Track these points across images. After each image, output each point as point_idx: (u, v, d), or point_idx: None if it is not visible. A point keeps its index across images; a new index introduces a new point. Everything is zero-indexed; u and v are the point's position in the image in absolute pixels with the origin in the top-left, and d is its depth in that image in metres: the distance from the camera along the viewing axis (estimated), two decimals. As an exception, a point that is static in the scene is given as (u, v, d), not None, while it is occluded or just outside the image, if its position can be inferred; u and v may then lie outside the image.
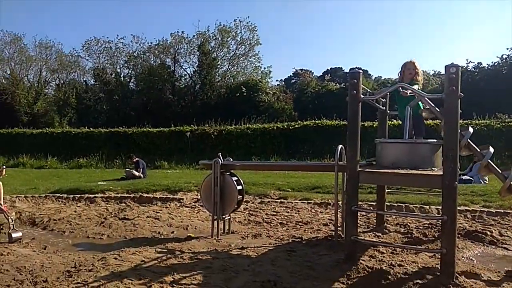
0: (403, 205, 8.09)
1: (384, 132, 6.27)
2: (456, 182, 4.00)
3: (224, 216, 6.17)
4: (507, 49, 37.54)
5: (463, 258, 5.05)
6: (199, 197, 8.11)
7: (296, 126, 20.41)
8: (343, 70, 50.48)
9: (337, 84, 33.15)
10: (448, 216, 3.93)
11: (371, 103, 5.58)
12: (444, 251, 3.95)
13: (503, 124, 16.19)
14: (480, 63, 30.98)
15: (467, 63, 30.61)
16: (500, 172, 4.82)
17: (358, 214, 7.50)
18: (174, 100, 33.61)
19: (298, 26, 79.47)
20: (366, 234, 6.21)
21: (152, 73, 34.62)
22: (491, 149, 4.88)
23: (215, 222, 6.00)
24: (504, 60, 29.76)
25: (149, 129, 22.83)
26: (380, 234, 6.14)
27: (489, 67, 30.17)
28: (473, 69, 31.01)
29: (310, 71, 40.65)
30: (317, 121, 20.07)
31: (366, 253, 4.99)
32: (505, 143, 15.30)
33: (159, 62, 36.11)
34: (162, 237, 6.21)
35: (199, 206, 8.30)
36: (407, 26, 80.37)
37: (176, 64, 36.12)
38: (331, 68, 50.33)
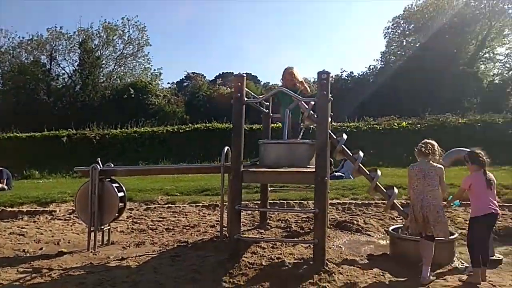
0: (285, 201, 8.59)
1: (267, 133, 6.59)
2: (326, 178, 4.39)
3: (102, 227, 5.72)
4: (374, 60, 43.41)
5: (333, 246, 5.58)
6: (74, 208, 7.38)
7: (187, 129, 20.16)
8: (232, 73, 51.62)
9: (228, 88, 33.77)
10: (319, 209, 4.28)
11: (254, 106, 5.79)
12: (316, 241, 4.29)
13: (369, 126, 18.51)
14: (352, 72, 34.94)
15: (341, 72, 34.20)
16: (368, 173, 5.45)
17: (243, 213, 7.76)
18: (49, 102, 30.23)
19: (190, 29, 78.92)
20: (250, 231, 6.42)
21: (23, 71, 30.61)
22: (361, 154, 5.50)
23: (92, 234, 5.52)
24: (371, 70, 34.10)
25: (17, 134, 20.11)
26: (263, 231, 6.42)
27: (359, 76, 34.21)
28: (346, 77, 34.80)
29: (202, 75, 40.63)
30: (208, 125, 20.12)
31: (249, 249, 5.14)
32: (371, 142, 17.43)
33: (32, 59, 32.13)
34: (28, 255, 5.44)
35: (74, 217, 7.56)
36: (294, 36, 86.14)
37: (52, 62, 32.58)
38: (223, 73, 51.08)
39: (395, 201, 5.23)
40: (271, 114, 6.67)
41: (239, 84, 4.67)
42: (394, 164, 15.71)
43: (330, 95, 4.53)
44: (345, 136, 5.48)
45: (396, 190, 5.22)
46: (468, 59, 29.31)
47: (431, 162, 4.43)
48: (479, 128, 17.19)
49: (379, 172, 5.31)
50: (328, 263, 4.41)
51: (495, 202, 4.27)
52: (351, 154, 5.47)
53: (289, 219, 7.20)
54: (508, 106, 25.60)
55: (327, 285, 3.97)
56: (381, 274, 4.33)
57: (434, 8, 30.38)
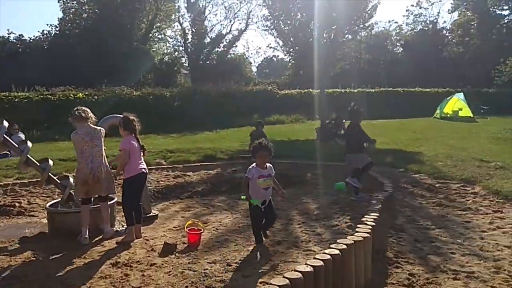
0: None
1: None
2: None
3: None
4: (48, 25, 38.77)
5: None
6: None
7: None
8: None
9: None
10: None
11: None
12: None
13: (41, 96, 16.64)
14: (21, 35, 30.21)
15: (8, 34, 29.00)
16: (17, 146, 4.70)
17: None
18: None
19: None
20: None
21: None
22: (6, 124, 4.66)
23: None
24: (45, 36, 30.60)
25: None
26: None
27: (31, 40, 30.06)
28: (14, 40, 29.77)
29: None
30: None
31: None
32: (45, 114, 15.81)
33: None
34: None
35: None
36: None
37: None
38: None
39: (51, 174, 4.82)
40: None
41: None
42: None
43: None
44: (5, 123, 4.55)
45: (51, 162, 4.80)
46: (142, 36, 31.45)
47: (92, 125, 4.51)
48: (151, 101, 18.97)
49: (29, 143, 4.72)
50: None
51: (144, 163, 4.68)
52: (17, 146, 4.66)
53: None
54: (176, 82, 29.68)
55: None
56: (33, 256, 3.92)
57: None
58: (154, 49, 33.33)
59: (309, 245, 3.96)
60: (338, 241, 3.18)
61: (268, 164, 4.10)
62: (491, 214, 5.25)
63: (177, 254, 3.90)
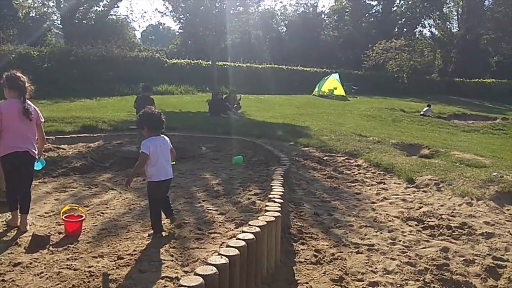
0: None
1: None
2: None
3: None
4: None
5: None
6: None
7: None
8: None
9: None
10: None
11: None
12: None
13: None
14: None
15: None
16: None
17: None
18: None
19: None
20: None
21: None
22: None
23: None
24: None
25: None
26: None
27: None
28: None
29: None
30: None
31: None
32: None
33: None
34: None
35: None
36: None
37: None
38: None
39: None
40: None
41: None
42: None
43: None
44: None
45: None
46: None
47: None
48: (14, 60, 15.97)
49: None
50: None
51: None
52: None
53: None
54: (45, 41, 25.67)
55: None
56: None
57: None
58: (18, 1, 28.05)
59: (214, 227, 3.62)
60: (249, 223, 2.90)
61: (163, 136, 3.55)
62: (376, 185, 5.67)
63: (51, 249, 3.13)
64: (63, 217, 3.46)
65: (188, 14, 17.06)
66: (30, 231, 3.44)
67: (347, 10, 43.67)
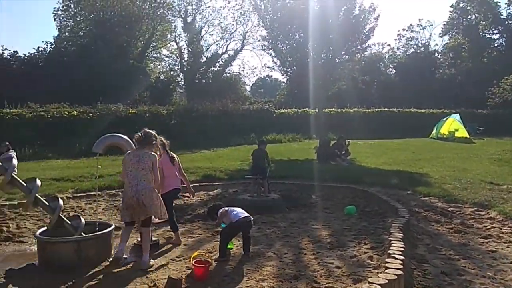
0: None
1: None
2: None
3: None
4: (43, 42, 38.74)
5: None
6: None
7: None
8: None
9: None
10: None
11: None
12: None
13: (35, 113, 16.21)
14: (16, 52, 29.88)
15: (2, 50, 28.66)
16: (25, 185, 4.27)
17: None
18: None
19: None
20: None
21: None
22: (15, 162, 4.24)
23: None
24: (40, 53, 30.31)
25: None
26: None
27: (26, 57, 29.73)
28: (9, 56, 29.42)
29: None
30: None
31: None
32: (38, 132, 15.38)
33: None
34: None
35: None
36: None
37: None
38: None
39: (38, 196, 4.34)
40: None
41: None
42: (66, 155, 14.54)
43: None
44: (15, 162, 4.16)
45: (38, 182, 4.34)
46: (138, 55, 31.37)
47: (148, 151, 4.35)
48: (147, 118, 18.63)
49: (15, 161, 4.30)
50: None
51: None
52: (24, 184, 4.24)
53: None
54: (171, 100, 29.45)
55: None
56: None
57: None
58: (150, 68, 33.16)
59: (331, 281, 3.57)
60: (369, 280, 2.82)
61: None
62: (515, 242, 4.94)
63: (183, 291, 3.48)
64: (192, 263, 3.82)
65: (294, 67, 17.94)
66: (166, 273, 3.85)
67: (464, 46, 40.66)
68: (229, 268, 4.05)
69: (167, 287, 3.53)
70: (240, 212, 4.53)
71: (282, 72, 19.75)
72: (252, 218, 4.53)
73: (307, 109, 24.76)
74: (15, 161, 4.30)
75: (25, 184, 4.24)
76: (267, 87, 73.28)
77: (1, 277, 3.91)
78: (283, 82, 39.74)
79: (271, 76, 56.95)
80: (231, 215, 4.46)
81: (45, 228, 4.52)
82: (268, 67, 40.32)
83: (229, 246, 4.48)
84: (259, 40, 26.26)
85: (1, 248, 5.04)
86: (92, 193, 7.89)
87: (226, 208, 4.60)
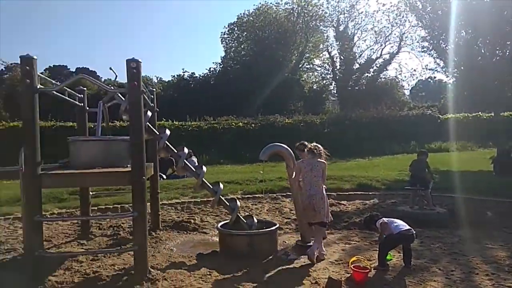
0: (119, 206, 7.87)
1: (83, 131, 5.75)
2: (144, 177, 3.98)
3: None
4: (213, 63, 44.98)
5: (164, 249, 5.25)
6: None
7: (1, 127, 16.88)
8: (69, 68, 46.23)
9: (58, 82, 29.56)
10: (138, 213, 3.87)
11: (56, 95, 4.49)
12: (136, 248, 3.87)
13: (210, 125, 18.99)
14: (193, 73, 35.28)
15: (183, 72, 34.21)
16: (194, 170, 5.23)
17: (67, 223, 6.73)
18: None
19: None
20: (69, 243, 5.55)
21: None
22: (186, 150, 5.21)
23: None
24: (211, 72, 35.10)
25: None
26: (84, 241, 5.62)
27: (201, 77, 34.82)
28: (188, 77, 34.95)
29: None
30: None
31: (63, 266, 4.38)
32: (212, 140, 17.95)
33: None
34: None
35: None
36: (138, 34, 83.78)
37: None
38: (54, 66, 45.06)
39: (221, 196, 5.17)
40: (87, 108, 5.86)
41: (27, 68, 3.76)
42: (234, 161, 16.49)
43: (143, 86, 4.13)
44: (167, 132, 5.12)
45: (221, 185, 5.18)
46: (292, 68, 33.03)
47: (318, 159, 4.93)
48: (302, 128, 19.51)
49: (204, 168, 5.19)
50: (152, 270, 4.06)
51: None
52: (176, 151, 5.15)
53: (121, 224, 6.54)
54: (324, 109, 29.98)
55: (149, 295, 3.63)
56: (208, 273, 4.22)
57: (263, 18, 33.10)
58: (304, 79, 34.45)
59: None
60: None
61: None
62: None
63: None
64: (351, 267, 3.96)
65: (462, 67, 16.07)
66: (326, 273, 4.09)
67: None
68: (390, 278, 4.02)
69: (328, 286, 3.76)
70: (402, 224, 4.47)
71: (447, 73, 17.97)
72: (414, 232, 4.41)
73: (480, 113, 21.79)
74: (204, 168, 5.22)
75: (211, 187, 5.13)
76: (429, 91, 66.98)
77: (194, 258, 4.82)
78: (449, 83, 35.80)
79: (434, 77, 51.68)
80: (391, 227, 4.44)
81: (225, 222, 5.33)
82: (430, 69, 36.95)
83: (388, 257, 4.44)
84: (418, 41, 24.51)
85: (191, 237, 6.13)
86: (257, 195, 8.83)
87: (386, 220, 4.57)
